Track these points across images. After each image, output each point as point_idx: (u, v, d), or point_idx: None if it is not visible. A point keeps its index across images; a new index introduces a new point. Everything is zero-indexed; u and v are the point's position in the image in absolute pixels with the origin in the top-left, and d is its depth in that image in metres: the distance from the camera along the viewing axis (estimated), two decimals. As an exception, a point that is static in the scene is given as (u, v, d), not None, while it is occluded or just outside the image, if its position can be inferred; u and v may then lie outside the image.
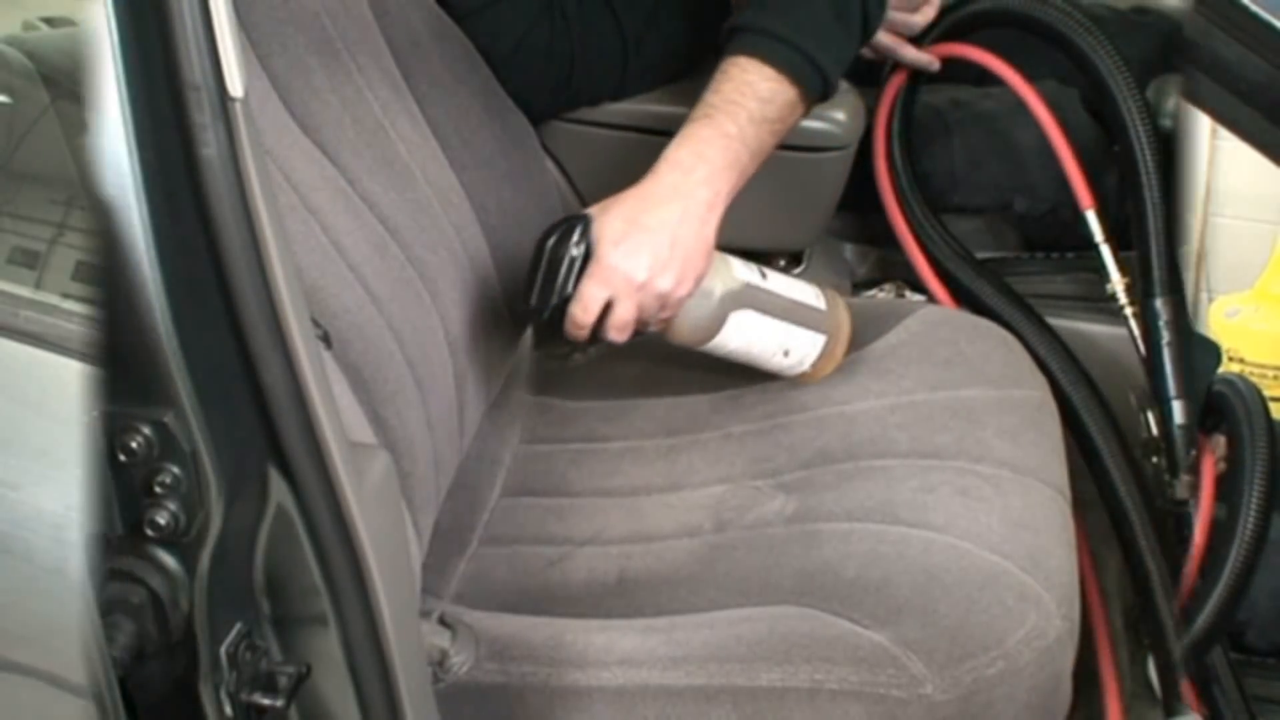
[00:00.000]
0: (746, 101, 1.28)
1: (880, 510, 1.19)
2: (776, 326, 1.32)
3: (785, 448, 1.30)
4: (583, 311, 1.23)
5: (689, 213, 1.24)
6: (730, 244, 1.63)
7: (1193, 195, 1.85)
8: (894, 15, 1.53)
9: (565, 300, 1.23)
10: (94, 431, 0.71)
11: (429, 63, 1.38)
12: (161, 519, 0.74)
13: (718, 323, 1.30)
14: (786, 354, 1.34)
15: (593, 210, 1.26)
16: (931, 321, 1.41)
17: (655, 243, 1.23)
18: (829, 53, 1.31)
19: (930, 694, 1.04)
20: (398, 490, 0.97)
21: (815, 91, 1.32)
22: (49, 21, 0.92)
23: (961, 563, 1.12)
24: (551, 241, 1.24)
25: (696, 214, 1.25)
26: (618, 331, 1.25)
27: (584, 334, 1.25)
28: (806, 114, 1.35)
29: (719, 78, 1.30)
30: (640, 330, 1.27)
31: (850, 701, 1.04)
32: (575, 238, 1.23)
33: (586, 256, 1.23)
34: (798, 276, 1.42)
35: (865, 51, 1.61)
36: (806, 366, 1.36)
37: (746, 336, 1.31)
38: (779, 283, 1.34)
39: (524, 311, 1.31)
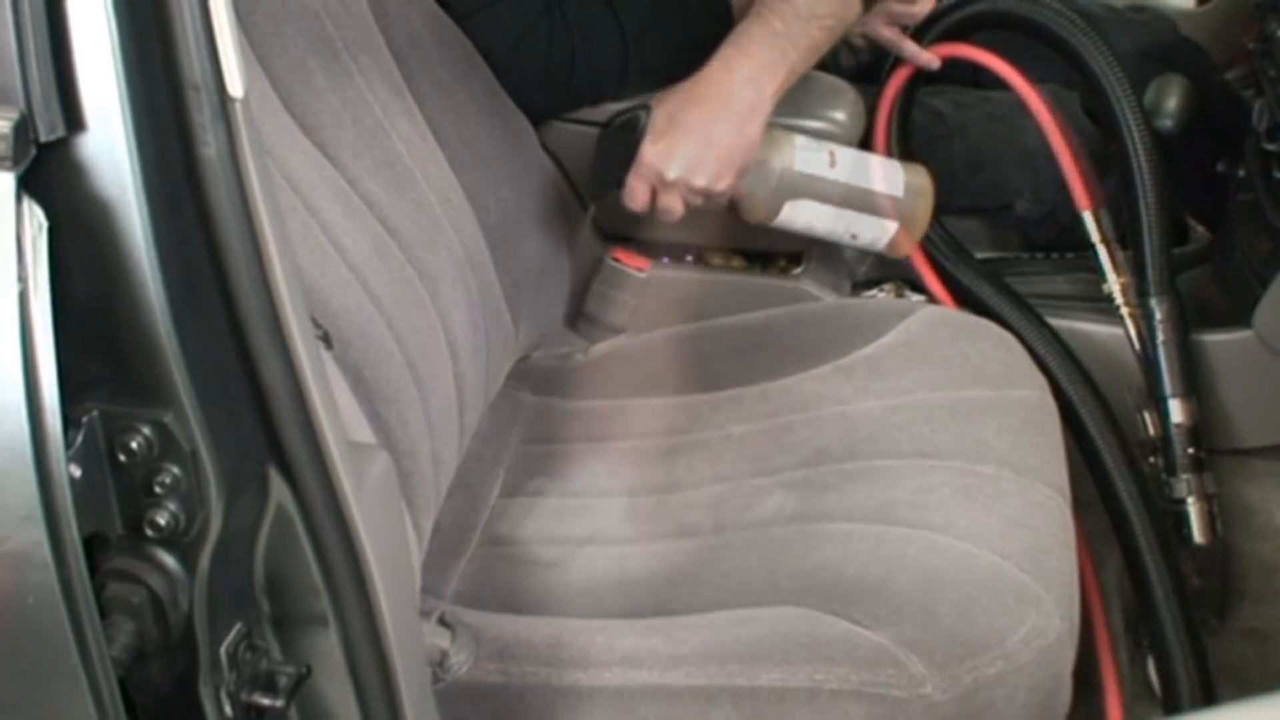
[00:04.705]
0: None
1: (880, 510, 1.19)
2: (839, 214, 1.36)
3: (785, 447, 1.30)
4: (629, 199, 1.33)
5: (729, 112, 1.30)
6: (729, 244, 1.63)
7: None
8: (894, 6, 1.53)
9: (620, 185, 1.33)
10: (94, 431, 0.71)
11: (429, 63, 1.38)
12: (161, 519, 0.74)
13: (774, 208, 1.36)
14: (854, 238, 1.39)
15: (656, 100, 1.34)
16: (931, 321, 1.41)
17: (690, 143, 1.30)
18: None
19: (930, 694, 1.03)
20: (398, 490, 0.97)
21: None
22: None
23: (961, 563, 1.12)
24: (611, 128, 1.34)
25: (737, 112, 1.30)
26: (665, 216, 1.33)
27: (641, 213, 1.34)
28: (864, 14, 1.39)
29: None
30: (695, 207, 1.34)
31: (850, 701, 1.04)
32: (631, 126, 1.32)
33: (638, 145, 1.32)
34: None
35: (865, 47, 1.61)
36: (880, 248, 1.40)
37: (807, 221, 1.37)
38: (849, 169, 1.37)
39: (588, 193, 1.41)
